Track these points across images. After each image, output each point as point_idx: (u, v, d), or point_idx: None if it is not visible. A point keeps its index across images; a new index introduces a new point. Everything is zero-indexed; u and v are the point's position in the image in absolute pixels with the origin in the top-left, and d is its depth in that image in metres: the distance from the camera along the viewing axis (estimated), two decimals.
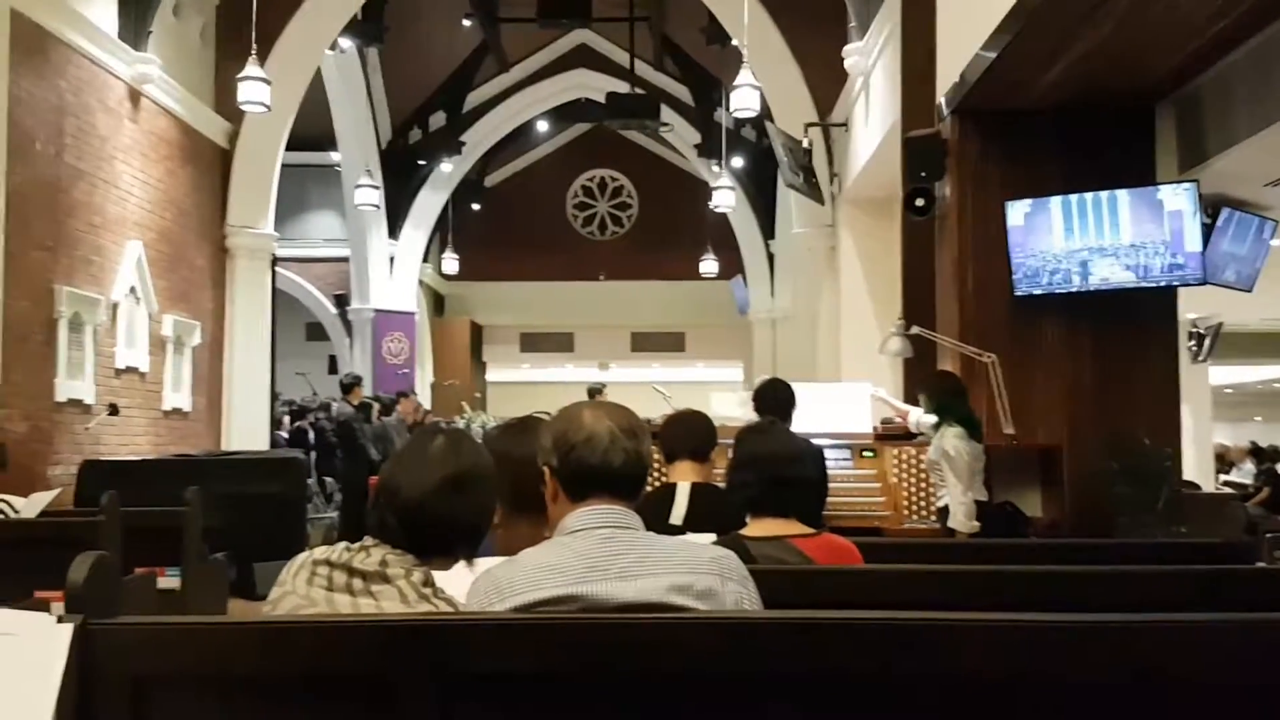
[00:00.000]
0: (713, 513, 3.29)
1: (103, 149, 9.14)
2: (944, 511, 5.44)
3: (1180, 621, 1.70)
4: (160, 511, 6.14)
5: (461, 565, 2.03)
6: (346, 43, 13.89)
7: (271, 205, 11.78)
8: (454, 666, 1.69)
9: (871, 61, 9.46)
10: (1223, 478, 14.15)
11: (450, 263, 19.91)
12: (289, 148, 12.02)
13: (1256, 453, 14.24)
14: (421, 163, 17.16)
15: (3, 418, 7.70)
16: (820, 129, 11.20)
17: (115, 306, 9.27)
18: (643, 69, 16.22)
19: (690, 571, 1.87)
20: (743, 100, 9.80)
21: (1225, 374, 18.24)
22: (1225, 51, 5.85)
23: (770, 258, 16.73)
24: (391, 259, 17.17)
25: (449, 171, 17.60)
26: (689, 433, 3.73)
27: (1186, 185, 6.21)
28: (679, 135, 17.14)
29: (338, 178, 16.67)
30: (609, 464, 1.95)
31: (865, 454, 6.40)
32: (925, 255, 7.40)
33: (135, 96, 9.69)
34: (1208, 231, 6.58)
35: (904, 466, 6.26)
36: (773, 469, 2.86)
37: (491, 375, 23.31)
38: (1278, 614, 1.73)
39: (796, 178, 10.22)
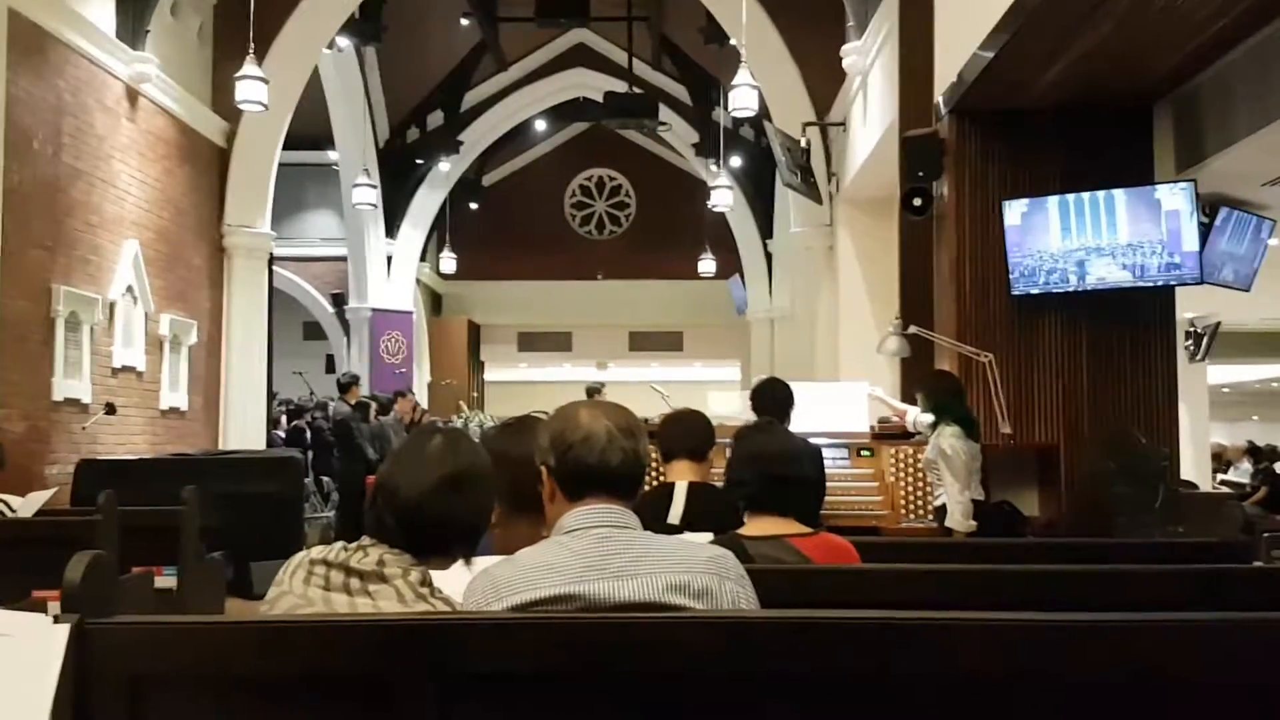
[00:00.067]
0: (710, 512, 3.29)
1: (100, 148, 9.13)
2: (941, 511, 5.44)
3: (1178, 621, 1.70)
4: (157, 511, 6.14)
5: (459, 565, 2.03)
6: (344, 42, 13.87)
7: (269, 204, 11.77)
8: (451, 666, 1.69)
9: (869, 61, 9.47)
10: (1220, 477, 14.16)
11: (448, 262, 19.90)
12: (286, 147, 12.01)
13: (1254, 452, 14.24)
14: (419, 162, 17.14)
15: (0, 417, 7.70)
16: (818, 128, 11.20)
17: (112, 306, 9.26)
18: (641, 68, 16.22)
19: (687, 571, 1.87)
20: (741, 100, 9.80)
21: (1223, 373, 18.24)
22: (1223, 51, 5.86)
23: (768, 257, 16.72)
24: (389, 258, 17.15)
25: (447, 171, 17.59)
26: (687, 432, 3.73)
27: (1184, 185, 6.22)
28: (677, 135, 17.13)
29: (335, 177, 16.65)
30: (606, 463, 1.95)
31: (863, 453, 6.40)
32: (923, 255, 7.40)
33: (133, 96, 9.68)
34: (1205, 231, 6.58)
35: (901, 466, 6.26)
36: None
37: (489, 375, 23.29)
38: (1275, 613, 1.73)
39: (794, 177, 10.22)
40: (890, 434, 6.48)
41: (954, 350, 6.59)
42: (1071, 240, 6.41)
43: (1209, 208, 6.84)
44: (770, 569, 2.59)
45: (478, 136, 17.62)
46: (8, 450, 7.21)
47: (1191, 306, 11.16)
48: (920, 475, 6.13)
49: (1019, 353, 6.74)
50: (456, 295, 21.47)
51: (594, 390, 12.06)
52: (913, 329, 6.65)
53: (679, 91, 16.76)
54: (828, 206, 11.34)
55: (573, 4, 14.48)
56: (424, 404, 15.29)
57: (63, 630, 1.69)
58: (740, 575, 1.97)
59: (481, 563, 2.02)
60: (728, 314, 19.16)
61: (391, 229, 17.04)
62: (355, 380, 11.41)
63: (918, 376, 6.57)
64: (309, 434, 12.88)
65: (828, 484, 3.21)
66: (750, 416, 4.82)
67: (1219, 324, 12.79)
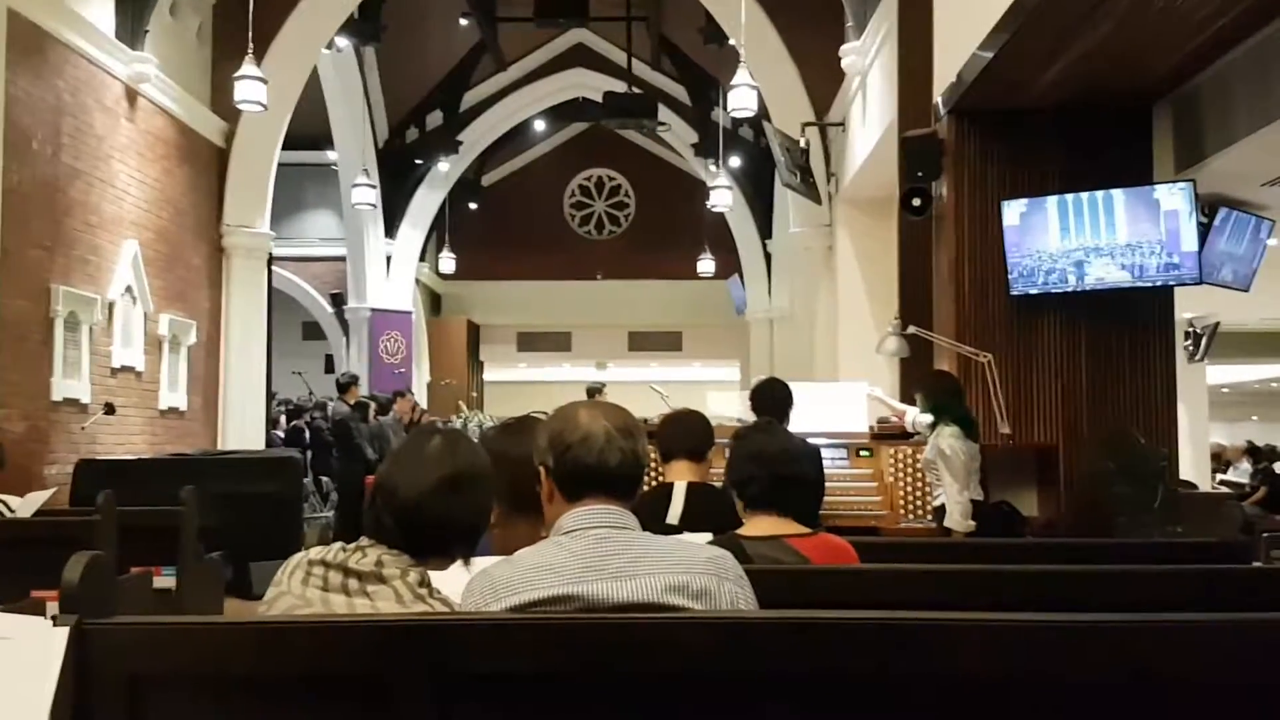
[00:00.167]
0: (709, 512, 3.29)
1: (99, 148, 9.13)
2: (940, 511, 5.45)
3: (1177, 621, 1.70)
4: (156, 511, 6.13)
5: (458, 565, 2.03)
6: (343, 42, 13.86)
7: (268, 204, 11.77)
8: (450, 667, 1.69)
9: (869, 61, 9.47)
10: (1219, 477, 14.17)
11: (447, 262, 19.90)
12: (285, 147, 12.01)
13: (1253, 452, 14.24)
14: (418, 162, 17.13)
15: (0, 417, 7.71)
16: (817, 129, 11.20)
17: (111, 306, 9.26)
18: (640, 68, 16.21)
19: (686, 571, 1.87)
20: (740, 100, 9.80)
21: (1222, 373, 18.25)
22: (1223, 51, 5.86)
23: (767, 257, 16.71)
24: (388, 258, 17.15)
25: (446, 171, 17.58)
26: (686, 432, 3.73)
27: (1183, 185, 6.22)
28: (676, 135, 17.12)
29: (334, 177, 16.63)
30: (605, 464, 1.95)
31: (862, 453, 6.40)
32: (922, 255, 7.40)
33: (132, 96, 9.68)
34: (1205, 231, 6.59)
35: (900, 466, 6.26)
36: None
37: (488, 375, 23.29)
38: (1274, 614, 1.73)
39: (794, 177, 10.22)
40: (889, 434, 6.48)
41: (953, 350, 6.59)
42: (1070, 240, 6.42)
43: (1208, 208, 6.84)
44: (769, 569, 2.59)
45: (477, 136, 17.61)
46: (7, 450, 7.20)
47: (1190, 306, 11.17)
48: (919, 475, 6.13)
49: (1018, 353, 6.74)
50: (456, 295, 21.46)
51: (595, 390, 12.06)
52: (912, 329, 6.65)
53: (678, 91, 16.75)
54: (827, 207, 11.34)
55: (572, 4, 14.48)
56: (423, 404, 15.28)
57: (61, 634, 1.69)
58: (739, 576, 1.97)
59: (480, 563, 2.02)
60: (727, 314, 19.16)
61: (391, 229, 17.04)
62: (354, 380, 11.40)
63: (917, 377, 6.57)
64: (308, 434, 12.89)
65: (827, 484, 3.21)
66: (749, 416, 4.82)
67: (1218, 324, 12.80)
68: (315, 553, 1.96)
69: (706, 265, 19.40)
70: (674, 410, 4.07)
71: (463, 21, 15.89)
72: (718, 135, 15.36)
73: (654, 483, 3.91)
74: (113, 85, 9.37)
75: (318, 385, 15.89)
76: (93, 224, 9.00)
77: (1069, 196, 6.42)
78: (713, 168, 15.74)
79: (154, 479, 7.68)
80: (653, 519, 3.19)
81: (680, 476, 3.62)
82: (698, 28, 14.44)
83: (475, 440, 2.18)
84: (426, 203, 17.61)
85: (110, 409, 8.91)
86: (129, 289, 9.51)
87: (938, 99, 7.01)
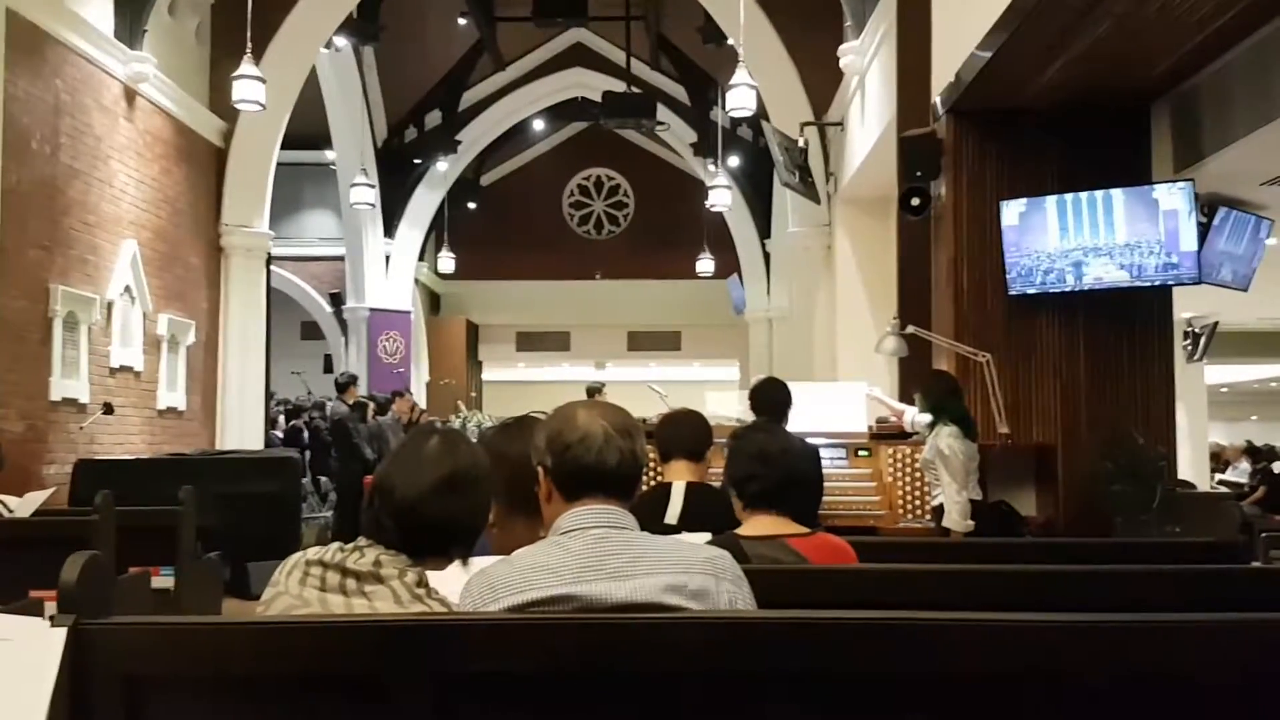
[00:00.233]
0: (708, 512, 3.29)
1: (98, 148, 9.13)
2: (939, 511, 5.45)
3: (1176, 621, 1.70)
4: (154, 511, 6.14)
5: (456, 565, 2.03)
6: (342, 41, 13.86)
7: (266, 204, 11.77)
8: (448, 667, 1.69)
9: (867, 61, 9.47)
10: (1218, 477, 14.18)
11: (446, 261, 19.89)
12: (284, 146, 12.01)
13: (1252, 452, 14.26)
14: (417, 161, 17.13)
15: None
16: (816, 128, 11.20)
17: (110, 305, 9.26)
18: (639, 68, 16.21)
19: (684, 571, 1.87)
20: (739, 99, 9.79)
21: (1221, 373, 18.27)
22: (1222, 50, 5.86)
23: (766, 257, 16.71)
24: (387, 258, 17.14)
25: (445, 170, 17.58)
26: (684, 432, 3.73)
27: (1182, 184, 6.22)
28: (675, 134, 17.12)
29: (333, 176, 16.63)
30: (603, 463, 1.95)
31: (860, 453, 6.40)
32: (921, 255, 7.40)
33: (130, 95, 9.68)
34: (1204, 230, 6.58)
35: (899, 466, 6.26)
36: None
37: (487, 374, 23.28)
38: (1273, 613, 1.73)
39: (792, 177, 10.22)
40: (888, 434, 6.48)
41: (952, 350, 6.60)
42: (1069, 240, 6.42)
43: (1207, 207, 6.84)
44: (767, 569, 2.59)
45: (476, 136, 17.60)
46: (6, 450, 7.21)
47: (1189, 306, 11.17)
48: (918, 475, 6.14)
49: (1017, 352, 6.74)
50: (455, 295, 21.46)
51: (595, 390, 12.06)
52: (910, 329, 6.65)
53: (677, 91, 16.75)
54: (826, 206, 11.33)
55: (570, 3, 14.47)
56: (422, 404, 15.28)
57: (59, 635, 1.69)
58: (737, 576, 1.97)
59: (478, 563, 2.01)
60: (726, 314, 19.15)
61: (389, 229, 17.03)
62: (353, 380, 11.40)
63: (916, 376, 6.58)
64: (307, 434, 12.89)
65: (826, 484, 3.20)
66: (748, 417, 4.82)
67: (1217, 324, 12.80)
68: (313, 553, 1.95)
69: (705, 265, 19.40)
70: (673, 410, 4.06)
71: (461, 21, 15.88)
72: (716, 135, 15.36)
73: (653, 483, 3.91)
74: (111, 85, 9.36)
75: (316, 385, 15.89)
76: (91, 224, 8.99)
77: (1068, 196, 6.43)
78: (711, 167, 15.74)
79: (152, 479, 7.68)
80: (651, 519, 3.19)
81: (679, 476, 3.62)
82: (696, 27, 14.43)
83: (474, 440, 2.18)
84: (425, 202, 17.61)
85: (109, 409, 8.91)
86: (127, 289, 9.51)
87: (936, 99, 7.02)
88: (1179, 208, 6.15)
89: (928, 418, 5.59)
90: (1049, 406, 6.73)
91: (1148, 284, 6.36)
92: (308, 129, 14.49)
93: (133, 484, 7.13)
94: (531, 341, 22.72)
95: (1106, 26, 5.31)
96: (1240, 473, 13.98)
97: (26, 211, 8.05)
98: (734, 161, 16.08)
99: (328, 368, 18.41)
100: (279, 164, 11.99)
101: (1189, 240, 6.16)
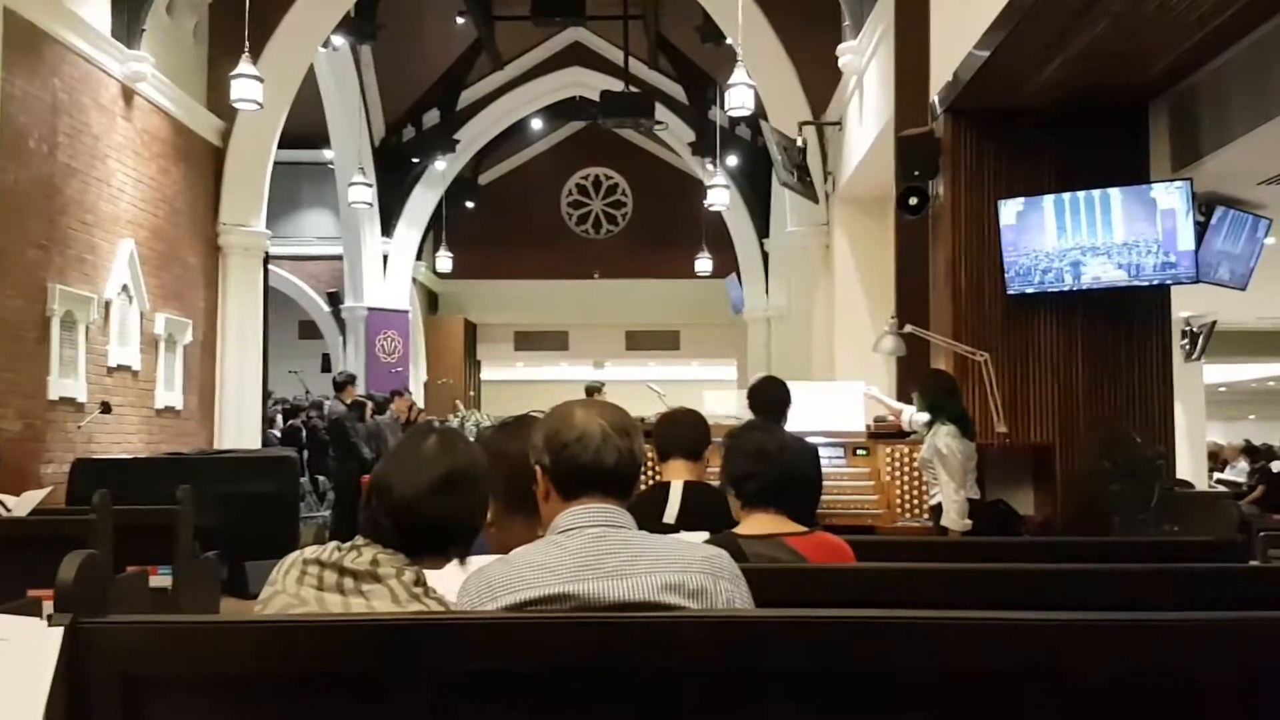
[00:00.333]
0: (706, 511, 3.29)
1: (96, 147, 9.12)
2: (937, 510, 5.45)
3: (1174, 620, 1.70)
4: (152, 510, 6.13)
5: (454, 564, 2.02)
6: (339, 40, 13.86)
7: (264, 203, 11.76)
8: (446, 666, 1.69)
9: (865, 60, 9.47)
10: (1216, 476, 14.19)
11: (444, 261, 19.89)
12: (282, 145, 12.00)
13: (1250, 451, 14.27)
14: (415, 160, 17.12)
15: None
16: (814, 127, 11.20)
17: (108, 305, 9.25)
18: (637, 67, 16.20)
19: (682, 570, 1.87)
20: (737, 99, 9.79)
21: (1219, 373, 18.28)
22: (1220, 49, 5.86)
23: (765, 256, 16.71)
24: (385, 257, 17.14)
25: (443, 169, 17.58)
26: (683, 432, 3.73)
27: (1179, 183, 6.22)
28: (674, 134, 17.11)
29: (331, 175, 16.62)
30: (601, 462, 1.95)
31: (859, 452, 6.40)
32: (919, 254, 7.40)
33: (128, 94, 9.67)
34: (1201, 230, 6.58)
35: (897, 465, 6.27)
36: (779, 464, 2.85)
37: (485, 374, 23.28)
38: (1271, 612, 1.73)
39: (791, 176, 10.22)
40: (886, 433, 6.49)
41: (950, 349, 6.60)
42: (1067, 239, 6.42)
43: (1205, 206, 6.84)
44: (766, 568, 2.59)
45: (474, 135, 17.60)
46: (3, 449, 7.22)
47: (1187, 305, 11.17)
48: (916, 474, 6.14)
49: (1014, 352, 6.74)
50: (453, 294, 21.45)
51: (594, 389, 12.05)
52: (908, 328, 6.65)
53: (675, 90, 16.75)
54: (824, 206, 11.33)
55: (569, 2, 14.48)
56: (420, 403, 15.28)
57: (57, 632, 1.68)
58: (735, 575, 1.96)
59: (476, 562, 2.01)
60: (724, 313, 19.15)
61: (387, 228, 17.03)
62: (351, 379, 11.39)
63: (914, 376, 6.58)
64: (304, 433, 12.89)
65: (824, 483, 3.20)
66: (747, 416, 4.82)
67: (1215, 323, 12.80)
68: (310, 552, 1.95)
69: (704, 264, 19.40)
70: (671, 409, 4.06)
71: (459, 20, 15.88)
72: (715, 134, 15.36)
73: (651, 482, 3.91)
74: (109, 84, 9.36)
75: (314, 384, 15.90)
76: (89, 223, 8.99)
77: (1065, 195, 6.43)
78: (710, 167, 15.74)
79: (150, 478, 7.68)
80: (649, 518, 3.19)
81: (677, 476, 3.62)
82: (695, 26, 14.42)
83: (471, 440, 2.17)
84: (423, 201, 17.60)
85: (106, 408, 8.91)
86: (125, 288, 9.50)
87: (934, 98, 7.02)
88: (1177, 207, 6.16)
89: (926, 417, 5.60)
90: (1047, 406, 6.73)
91: (1146, 283, 6.36)
92: (305, 128, 14.49)
93: (130, 483, 7.13)
94: (530, 341, 22.72)
95: (1104, 25, 5.31)
96: (1238, 472, 14.00)
97: (24, 210, 8.04)
98: (732, 161, 16.07)
99: (325, 367, 18.40)
100: (277, 163, 11.98)
101: (1187, 239, 6.16)
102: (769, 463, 2.85)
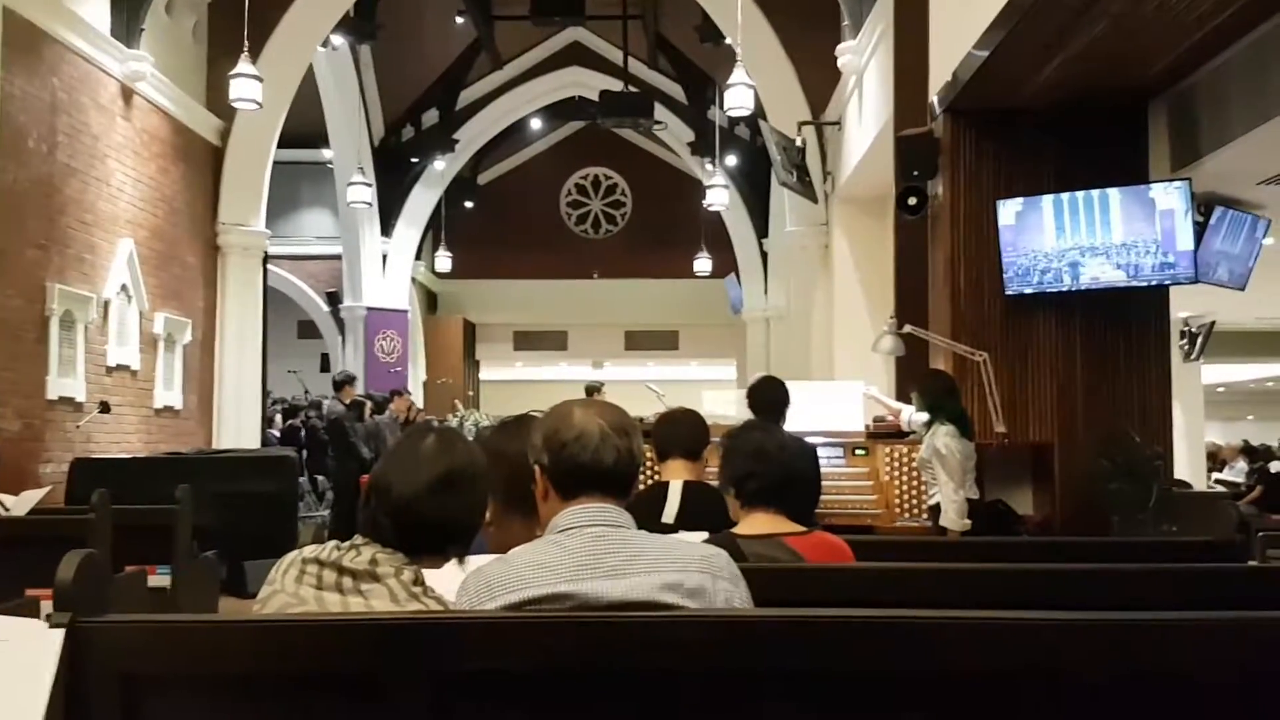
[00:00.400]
0: (705, 511, 3.29)
1: (95, 147, 9.12)
2: (936, 510, 5.45)
3: (1173, 620, 1.70)
4: (151, 509, 6.13)
5: (453, 564, 2.02)
6: (339, 40, 13.85)
7: (263, 203, 11.76)
8: (444, 665, 1.69)
9: (865, 60, 9.47)
10: (1215, 476, 14.19)
11: (443, 260, 19.88)
12: (281, 145, 11.99)
13: (1249, 451, 14.28)
14: (414, 160, 17.12)
15: None
16: (814, 127, 11.20)
17: (107, 304, 9.25)
18: (636, 67, 16.19)
19: (680, 570, 1.87)
20: (736, 99, 9.79)
21: (1218, 373, 18.28)
22: (1219, 49, 5.86)
23: (764, 256, 16.71)
24: (384, 256, 17.14)
25: (442, 169, 17.57)
26: (682, 431, 3.73)
27: (1178, 183, 6.22)
28: (673, 133, 17.10)
29: (330, 175, 16.61)
30: (600, 462, 1.95)
31: (858, 452, 6.40)
32: (918, 254, 7.40)
33: (127, 94, 9.67)
34: (1200, 230, 6.58)
35: (896, 465, 6.27)
36: (780, 463, 2.85)
37: (485, 374, 23.27)
38: (1269, 612, 1.73)
39: (790, 176, 10.23)
40: (885, 433, 6.49)
41: (949, 349, 6.60)
42: (1066, 240, 6.42)
43: (1204, 207, 6.84)
44: (764, 568, 2.59)
45: (473, 135, 17.59)
46: (2, 449, 7.22)
47: (1186, 306, 11.17)
48: (915, 474, 6.14)
49: (1013, 352, 6.74)
50: (452, 294, 21.44)
51: (593, 389, 12.05)
52: (907, 328, 6.65)
53: (674, 90, 16.75)
54: (823, 206, 11.33)
55: (568, 2, 14.47)
56: (419, 403, 15.27)
57: (56, 632, 1.68)
58: (734, 575, 1.96)
59: (475, 561, 2.01)
60: (723, 313, 19.15)
61: (387, 227, 17.03)
62: (350, 379, 11.38)
63: (913, 376, 6.58)
64: (303, 433, 12.89)
65: (823, 483, 3.20)
66: (746, 415, 4.82)
67: (1213, 323, 12.80)
68: (309, 551, 1.95)
69: (703, 264, 19.40)
70: (670, 409, 4.06)
71: (458, 19, 15.88)
72: (714, 134, 15.36)
73: (650, 481, 3.91)
74: (108, 83, 9.35)
75: (313, 384, 15.90)
76: (88, 222, 8.98)
77: (1064, 196, 6.43)
78: (709, 166, 15.73)
79: (149, 478, 7.68)
80: (648, 518, 3.19)
81: (676, 475, 3.62)
82: (694, 26, 14.42)
83: (470, 439, 2.17)
84: (422, 201, 17.60)
85: (105, 408, 8.90)
86: (124, 287, 9.50)
87: (933, 98, 7.02)
88: (1175, 207, 6.16)
89: (925, 417, 5.60)
90: (1046, 406, 6.73)
91: (1144, 283, 6.36)
92: (305, 128, 14.48)
93: (129, 483, 7.12)
94: (529, 341, 22.71)
95: (1103, 25, 5.31)
96: (1237, 472, 14.00)
97: (23, 210, 8.04)
98: (731, 161, 16.07)
99: (324, 367, 18.40)
100: (276, 163, 11.98)
101: (1185, 240, 6.16)
102: (768, 462, 2.85)
